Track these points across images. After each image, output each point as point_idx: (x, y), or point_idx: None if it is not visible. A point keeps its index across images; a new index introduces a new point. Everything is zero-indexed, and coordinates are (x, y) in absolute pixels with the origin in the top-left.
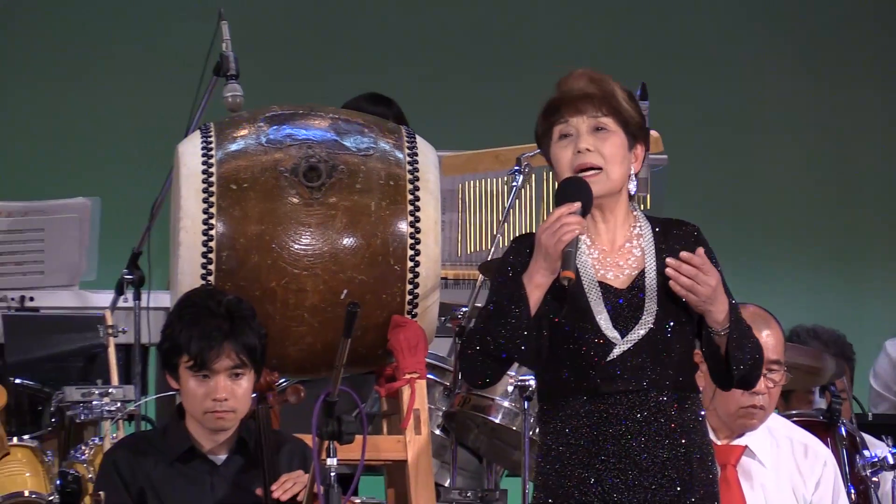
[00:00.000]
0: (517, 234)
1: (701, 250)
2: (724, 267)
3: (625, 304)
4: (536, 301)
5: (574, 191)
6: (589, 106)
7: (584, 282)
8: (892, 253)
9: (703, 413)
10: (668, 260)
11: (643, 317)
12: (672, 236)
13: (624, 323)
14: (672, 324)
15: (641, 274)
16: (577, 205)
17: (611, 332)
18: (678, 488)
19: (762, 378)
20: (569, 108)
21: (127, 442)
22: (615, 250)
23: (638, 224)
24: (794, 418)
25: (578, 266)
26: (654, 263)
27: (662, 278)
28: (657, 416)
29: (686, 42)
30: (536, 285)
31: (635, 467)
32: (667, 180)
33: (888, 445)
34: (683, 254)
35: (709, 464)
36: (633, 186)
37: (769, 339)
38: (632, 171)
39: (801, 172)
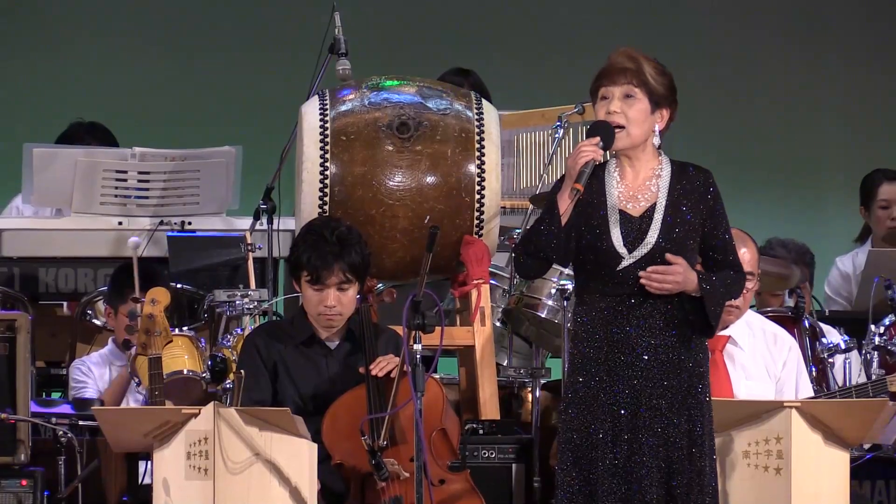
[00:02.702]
0: (559, 174)
1: (671, 257)
2: None
3: (635, 228)
4: (566, 212)
5: (596, 129)
6: (622, 77)
7: (608, 208)
8: (846, 182)
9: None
10: (641, 273)
11: (646, 239)
12: (687, 177)
13: (633, 243)
14: (671, 247)
15: (653, 207)
16: (596, 139)
17: (621, 248)
18: (665, 369)
19: None
20: (609, 77)
21: (264, 327)
22: (637, 187)
23: (661, 167)
24: (769, 314)
25: (606, 196)
26: (665, 200)
27: (669, 211)
28: (653, 313)
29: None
30: (563, 200)
31: (633, 351)
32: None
33: (840, 334)
34: (650, 268)
35: (693, 350)
36: (656, 139)
37: (745, 254)
38: (656, 128)
39: (774, 118)
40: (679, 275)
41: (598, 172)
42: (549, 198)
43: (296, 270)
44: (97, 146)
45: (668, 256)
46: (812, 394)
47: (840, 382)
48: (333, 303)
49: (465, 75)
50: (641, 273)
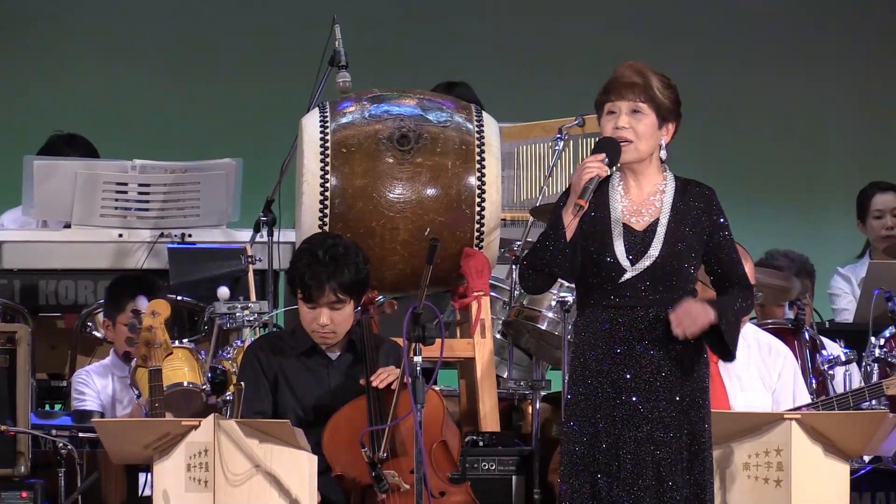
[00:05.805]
0: (559, 186)
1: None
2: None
3: (638, 242)
4: (572, 228)
5: (602, 146)
6: (630, 92)
7: (612, 221)
8: (847, 197)
9: None
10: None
11: (649, 251)
12: (691, 194)
13: (635, 256)
14: (673, 261)
15: (656, 222)
16: (602, 155)
17: (624, 261)
18: (670, 384)
19: None
20: (616, 92)
21: (264, 338)
22: (641, 201)
23: (665, 182)
24: (769, 326)
25: (611, 209)
26: (668, 216)
27: (672, 226)
28: (655, 326)
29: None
30: (568, 216)
31: (637, 365)
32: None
33: (840, 347)
34: (672, 316)
35: (698, 365)
36: (663, 153)
37: None
38: (662, 142)
39: (775, 133)
40: (696, 306)
41: (601, 185)
42: (554, 212)
43: (292, 286)
44: (77, 158)
45: (671, 316)
46: (809, 403)
47: None
48: (326, 321)
49: (450, 88)
50: (673, 321)
